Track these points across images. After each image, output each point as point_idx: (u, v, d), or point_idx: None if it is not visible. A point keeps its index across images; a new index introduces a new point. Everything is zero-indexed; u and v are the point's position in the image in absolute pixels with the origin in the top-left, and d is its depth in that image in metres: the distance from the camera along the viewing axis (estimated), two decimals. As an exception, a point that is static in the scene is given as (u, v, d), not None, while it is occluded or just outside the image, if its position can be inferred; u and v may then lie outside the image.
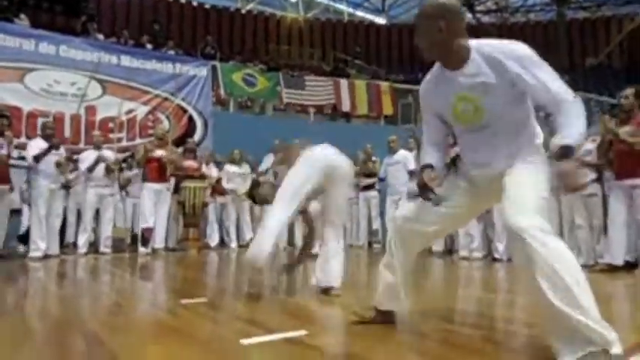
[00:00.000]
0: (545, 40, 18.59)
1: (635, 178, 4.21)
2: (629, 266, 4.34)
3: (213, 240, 7.56)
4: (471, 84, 1.82)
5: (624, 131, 4.21)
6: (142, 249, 6.31)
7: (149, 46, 10.82)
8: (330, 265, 3.17)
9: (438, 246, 6.42)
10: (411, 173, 6.56)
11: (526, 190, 1.74)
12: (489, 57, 1.80)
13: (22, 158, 6.70)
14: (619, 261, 4.31)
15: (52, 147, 5.81)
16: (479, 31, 18.91)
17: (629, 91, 4.33)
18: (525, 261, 1.61)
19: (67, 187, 6.36)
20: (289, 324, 2.30)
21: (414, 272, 2.28)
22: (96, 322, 2.52)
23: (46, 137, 5.96)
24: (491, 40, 1.90)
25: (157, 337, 2.16)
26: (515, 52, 1.79)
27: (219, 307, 2.91)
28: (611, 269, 4.31)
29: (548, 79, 1.74)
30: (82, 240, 6.28)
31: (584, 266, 4.73)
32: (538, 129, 1.95)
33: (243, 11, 18.27)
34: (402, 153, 7.01)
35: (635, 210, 4.25)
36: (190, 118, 9.40)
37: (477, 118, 1.87)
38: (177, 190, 7.02)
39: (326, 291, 3.14)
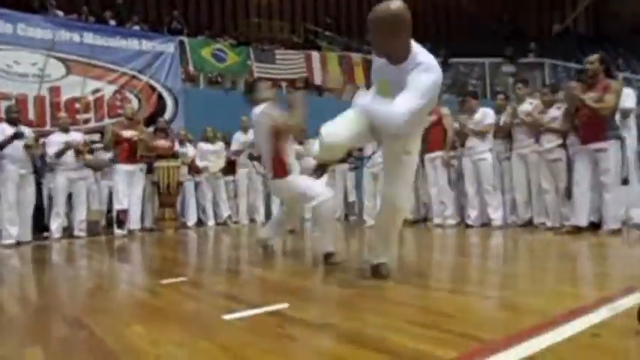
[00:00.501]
0: (513, 7, 18.72)
1: (599, 142, 4.36)
2: (593, 227, 4.54)
3: (190, 219, 7.54)
4: (395, 79, 2.26)
5: (589, 97, 4.33)
6: (117, 231, 6.26)
7: (112, 22, 10.44)
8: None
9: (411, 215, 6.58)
10: None
11: None
12: (416, 64, 2.22)
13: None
14: (583, 222, 4.50)
15: (17, 135, 5.63)
16: (450, 0, 18.91)
17: (594, 57, 4.44)
18: None
19: (36, 172, 6.18)
20: (271, 298, 2.35)
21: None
22: (76, 306, 2.52)
23: (10, 121, 5.77)
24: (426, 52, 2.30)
25: (140, 318, 2.19)
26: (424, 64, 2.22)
27: (200, 285, 2.94)
28: (577, 230, 4.50)
29: (410, 88, 2.17)
30: (55, 225, 6.17)
31: (552, 228, 4.93)
32: None
33: (210, -17, 17.72)
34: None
35: (599, 173, 4.41)
36: (160, 96, 9.18)
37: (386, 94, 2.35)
38: (150, 170, 6.92)
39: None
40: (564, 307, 1.91)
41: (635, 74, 12.94)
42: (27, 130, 5.94)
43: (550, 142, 4.95)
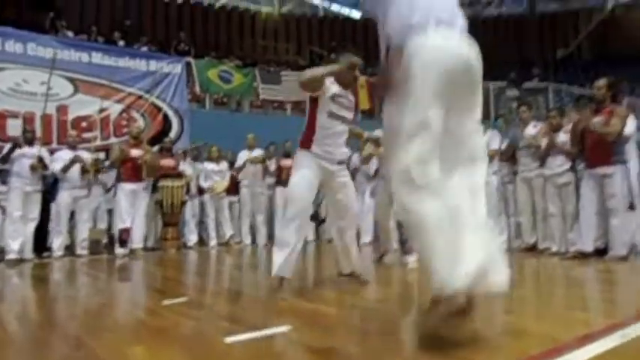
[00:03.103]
0: (518, 33, 18.95)
1: (606, 167, 4.34)
2: (599, 253, 4.48)
3: (192, 239, 7.50)
4: None
5: (596, 121, 4.34)
6: (119, 250, 6.22)
7: (121, 42, 10.62)
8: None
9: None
10: None
11: None
12: None
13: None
14: (589, 248, 4.45)
15: (13, 148, 5.76)
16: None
17: (602, 82, 4.45)
18: None
19: (47, 191, 6.22)
20: (273, 320, 2.31)
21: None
22: (77, 325, 2.49)
23: (27, 141, 6.03)
24: None
25: (140, 338, 2.15)
26: None
27: (202, 306, 2.90)
28: (582, 256, 4.44)
29: None
30: (58, 243, 6.15)
31: (557, 253, 4.88)
32: None
33: (217, 6, 18.06)
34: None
35: (605, 198, 4.38)
36: (165, 116, 9.25)
37: None
38: (154, 189, 6.93)
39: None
40: (574, 334, 1.87)
41: (638, 99, 12.98)
42: (36, 149, 6.03)
43: (559, 165, 4.93)
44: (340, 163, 3.18)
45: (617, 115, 4.27)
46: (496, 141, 5.60)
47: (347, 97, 3.15)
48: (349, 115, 3.17)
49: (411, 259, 4.19)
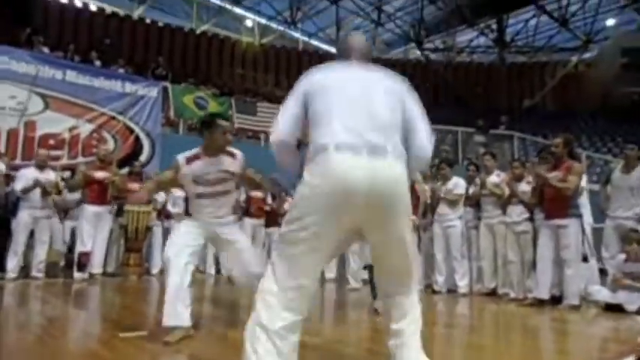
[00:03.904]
0: (487, 81, 19.79)
1: (562, 219, 4.55)
2: (554, 300, 4.64)
3: (155, 266, 7.33)
4: None
5: (553, 176, 4.56)
6: (77, 274, 6.02)
7: (97, 62, 10.57)
8: None
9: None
10: None
11: None
12: None
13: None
14: (545, 295, 4.60)
15: None
16: (427, 68, 19.91)
17: (559, 140, 4.73)
18: None
19: (4, 207, 5.99)
20: (230, 358, 2.30)
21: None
22: (23, 356, 2.41)
23: None
24: None
25: (92, 375, 2.10)
26: None
27: (159, 341, 2.84)
28: (539, 303, 4.59)
29: None
30: (12, 263, 5.91)
31: (515, 299, 5.01)
32: None
33: (198, 32, 18.23)
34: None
35: (560, 248, 4.57)
36: (137, 139, 9.18)
37: None
38: (119, 213, 6.80)
39: None
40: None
41: (596, 152, 13.66)
42: (2, 166, 5.83)
43: (518, 214, 5.13)
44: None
45: (573, 171, 4.52)
46: (461, 186, 5.78)
47: (215, 167, 3.18)
48: (223, 185, 3.23)
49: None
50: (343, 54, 2.11)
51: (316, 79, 1.94)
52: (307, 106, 1.89)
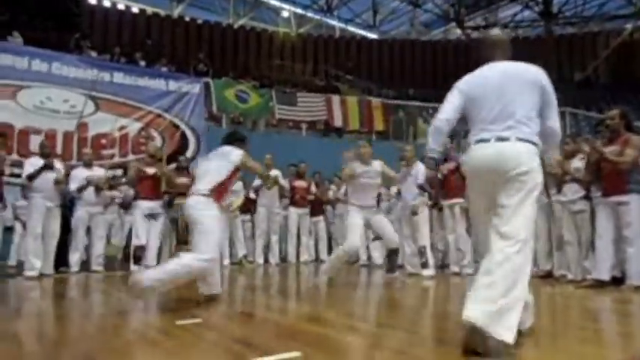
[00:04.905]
0: (534, 56, 18.92)
1: (621, 195, 4.31)
2: (615, 282, 4.41)
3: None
4: None
5: (610, 151, 4.32)
6: (134, 267, 6.29)
7: (142, 62, 10.90)
8: None
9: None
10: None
11: None
12: None
13: (16, 175, 6.72)
14: (606, 276, 4.38)
15: (46, 167, 5.83)
16: (469, 47, 19.27)
17: (615, 112, 4.45)
18: None
19: (66, 206, 6.33)
20: (284, 345, 2.33)
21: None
22: (89, 344, 2.53)
23: (43, 156, 6.02)
24: None
25: (151, 359, 2.18)
26: None
27: (215, 328, 2.93)
28: (599, 285, 4.38)
29: None
30: (74, 259, 6.26)
31: (573, 281, 4.81)
32: None
33: (236, 27, 18.44)
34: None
35: (621, 226, 4.33)
36: (183, 135, 9.44)
37: None
38: (170, 206, 7.02)
39: None
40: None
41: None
42: (59, 165, 6.13)
43: (574, 193, 4.89)
44: None
45: (631, 144, 4.26)
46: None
47: None
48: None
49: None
50: (486, 52, 2.52)
51: (470, 80, 2.46)
52: (463, 102, 2.42)
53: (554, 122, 2.40)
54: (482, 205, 2.34)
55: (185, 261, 3.27)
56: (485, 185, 2.29)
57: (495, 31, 2.64)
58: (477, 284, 2.13)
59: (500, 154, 2.21)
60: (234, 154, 3.62)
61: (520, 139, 2.21)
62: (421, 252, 5.83)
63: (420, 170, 5.66)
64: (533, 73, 2.39)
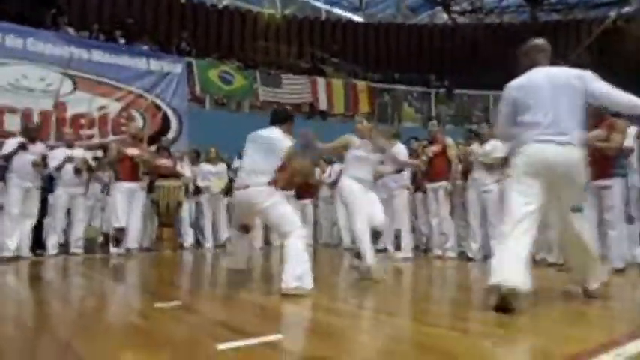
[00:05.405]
0: (519, 42, 18.91)
1: (605, 179, 4.33)
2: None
3: (188, 240, 7.46)
4: None
5: (594, 135, 4.31)
6: (113, 249, 6.17)
7: (122, 40, 10.59)
8: None
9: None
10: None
11: None
12: None
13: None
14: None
15: (21, 147, 5.66)
16: (455, 31, 19.22)
17: None
18: None
19: (44, 188, 6.16)
20: (266, 327, 2.29)
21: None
22: (67, 328, 2.46)
23: (29, 139, 5.85)
24: None
25: (130, 342, 2.12)
26: None
27: (194, 310, 2.87)
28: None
29: None
30: (52, 241, 6.12)
31: (553, 264, 4.86)
32: None
33: (220, 6, 18.04)
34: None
35: (603, 210, 4.36)
36: (165, 116, 9.25)
37: None
38: (151, 189, 6.90)
39: None
40: (567, 350, 1.85)
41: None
42: (41, 148, 5.95)
43: None
44: None
45: (617, 129, 4.26)
46: (499, 150, 5.57)
47: None
48: None
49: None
50: (534, 57, 2.92)
51: (520, 86, 2.85)
52: (514, 108, 2.84)
53: (618, 96, 2.83)
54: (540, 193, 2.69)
55: (292, 248, 3.24)
56: (542, 181, 2.67)
57: (540, 40, 2.99)
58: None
59: (560, 156, 2.65)
60: (280, 149, 3.46)
61: (570, 143, 2.65)
62: (397, 235, 6.01)
63: (401, 151, 5.62)
64: (576, 77, 2.77)
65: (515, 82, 2.87)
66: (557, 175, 2.67)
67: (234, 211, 3.59)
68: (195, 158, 7.92)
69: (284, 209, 3.42)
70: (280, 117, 3.71)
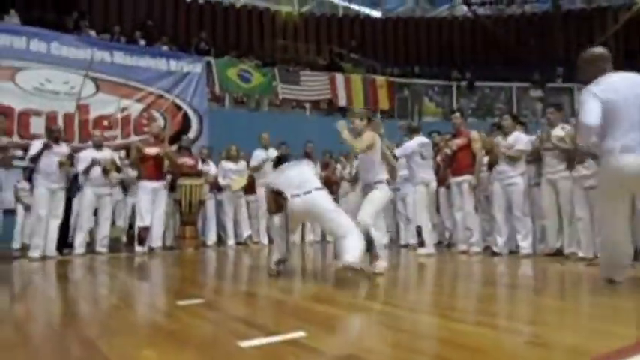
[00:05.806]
0: (542, 32, 18.52)
1: None
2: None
3: (210, 238, 7.51)
4: None
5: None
6: (138, 248, 6.25)
7: (142, 42, 10.71)
8: None
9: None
10: None
11: None
12: None
13: (17, 158, 6.66)
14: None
15: (46, 147, 5.76)
16: (475, 23, 18.89)
17: None
18: None
19: (69, 189, 6.26)
20: (289, 324, 2.26)
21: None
22: (90, 326, 2.47)
23: (53, 140, 5.95)
24: None
25: (153, 341, 2.12)
26: None
27: (217, 308, 2.86)
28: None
29: None
30: (79, 240, 6.22)
31: (583, 259, 4.71)
32: None
33: (237, 6, 18.10)
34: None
35: (636, 200, 4.20)
36: (185, 115, 9.31)
37: None
38: (173, 188, 6.95)
39: None
40: (604, 347, 1.76)
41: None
42: (64, 148, 6.06)
43: (587, 168, 4.74)
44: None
45: None
46: (522, 142, 5.44)
47: None
48: None
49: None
50: (603, 65, 3.08)
51: (605, 89, 2.94)
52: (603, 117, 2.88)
53: None
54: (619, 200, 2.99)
55: (351, 240, 3.48)
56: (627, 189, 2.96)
57: (601, 49, 3.19)
58: None
59: None
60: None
61: None
62: (419, 232, 6.16)
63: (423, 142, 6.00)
64: None
65: (598, 86, 2.96)
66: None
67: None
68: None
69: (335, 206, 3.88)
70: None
